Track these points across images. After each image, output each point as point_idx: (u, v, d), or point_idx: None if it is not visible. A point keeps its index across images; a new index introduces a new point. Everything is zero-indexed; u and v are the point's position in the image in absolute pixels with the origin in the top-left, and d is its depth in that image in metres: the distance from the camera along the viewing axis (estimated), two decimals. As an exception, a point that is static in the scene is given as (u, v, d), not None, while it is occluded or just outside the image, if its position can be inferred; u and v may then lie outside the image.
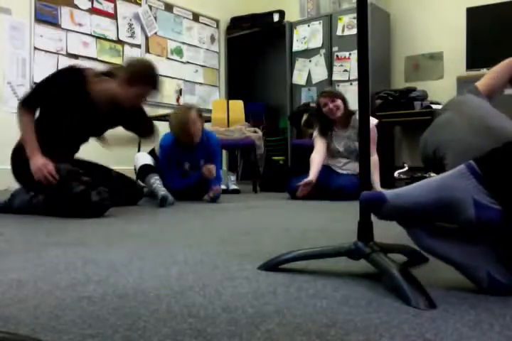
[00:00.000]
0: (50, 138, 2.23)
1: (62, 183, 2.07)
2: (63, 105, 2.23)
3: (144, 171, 2.88)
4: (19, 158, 2.18)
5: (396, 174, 3.49)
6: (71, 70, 2.26)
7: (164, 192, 2.66)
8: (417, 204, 0.82)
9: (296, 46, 5.33)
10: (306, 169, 3.38)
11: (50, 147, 2.20)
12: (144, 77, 2.27)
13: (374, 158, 3.17)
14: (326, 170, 3.32)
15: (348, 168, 3.32)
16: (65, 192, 2.04)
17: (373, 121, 3.11)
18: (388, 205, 0.83)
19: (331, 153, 3.37)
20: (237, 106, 4.59)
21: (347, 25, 4.92)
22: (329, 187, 3.17)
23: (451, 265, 0.85)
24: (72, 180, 2.07)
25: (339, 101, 3.23)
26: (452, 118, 1.47)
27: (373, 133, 3.12)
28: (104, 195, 2.05)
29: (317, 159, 3.25)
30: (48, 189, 2.10)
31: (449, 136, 1.55)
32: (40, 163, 2.10)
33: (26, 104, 2.19)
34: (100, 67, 2.48)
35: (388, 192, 0.85)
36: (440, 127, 1.57)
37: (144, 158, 2.96)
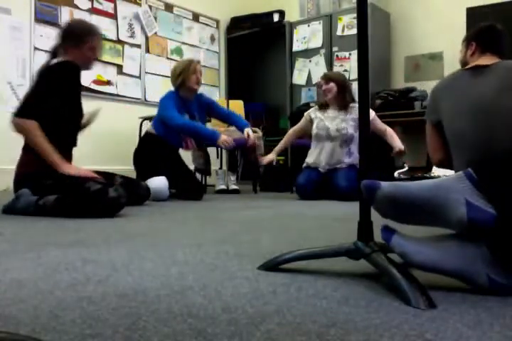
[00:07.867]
0: (59, 134, 2.27)
1: (78, 183, 2.09)
2: (72, 96, 2.30)
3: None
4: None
5: (396, 174, 3.49)
6: (68, 62, 2.27)
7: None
8: (409, 194, 0.85)
9: (296, 46, 5.32)
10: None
11: (61, 143, 2.25)
12: (83, 30, 2.35)
13: (389, 130, 3.32)
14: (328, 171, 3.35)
15: (335, 161, 3.32)
16: (82, 191, 2.06)
17: (372, 113, 3.27)
18: (381, 192, 0.86)
19: (317, 136, 3.39)
20: (237, 106, 4.58)
21: (347, 25, 4.92)
22: (331, 190, 3.20)
23: (445, 275, 0.86)
24: (88, 180, 2.11)
25: (331, 85, 3.32)
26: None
27: (376, 121, 3.30)
28: (120, 191, 2.08)
29: (288, 136, 3.60)
30: (63, 189, 2.12)
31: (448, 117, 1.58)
32: (79, 169, 2.20)
33: (29, 114, 2.17)
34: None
35: (385, 182, 0.88)
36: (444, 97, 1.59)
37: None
